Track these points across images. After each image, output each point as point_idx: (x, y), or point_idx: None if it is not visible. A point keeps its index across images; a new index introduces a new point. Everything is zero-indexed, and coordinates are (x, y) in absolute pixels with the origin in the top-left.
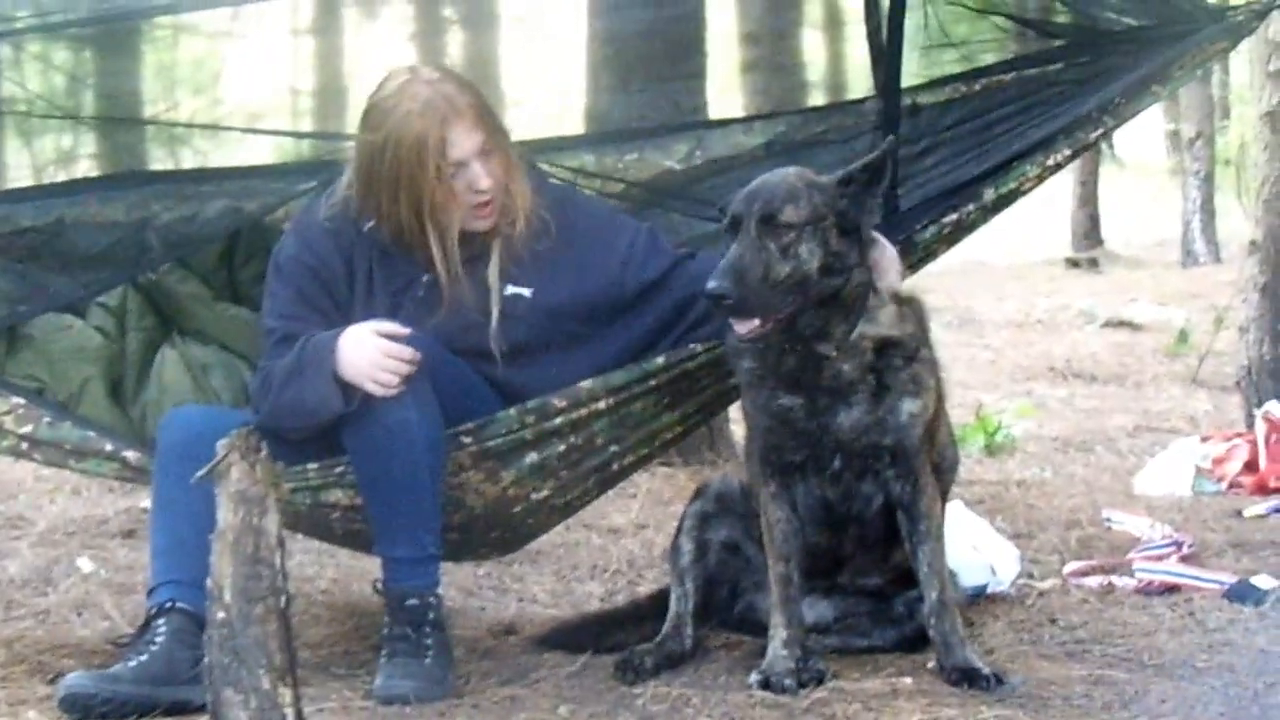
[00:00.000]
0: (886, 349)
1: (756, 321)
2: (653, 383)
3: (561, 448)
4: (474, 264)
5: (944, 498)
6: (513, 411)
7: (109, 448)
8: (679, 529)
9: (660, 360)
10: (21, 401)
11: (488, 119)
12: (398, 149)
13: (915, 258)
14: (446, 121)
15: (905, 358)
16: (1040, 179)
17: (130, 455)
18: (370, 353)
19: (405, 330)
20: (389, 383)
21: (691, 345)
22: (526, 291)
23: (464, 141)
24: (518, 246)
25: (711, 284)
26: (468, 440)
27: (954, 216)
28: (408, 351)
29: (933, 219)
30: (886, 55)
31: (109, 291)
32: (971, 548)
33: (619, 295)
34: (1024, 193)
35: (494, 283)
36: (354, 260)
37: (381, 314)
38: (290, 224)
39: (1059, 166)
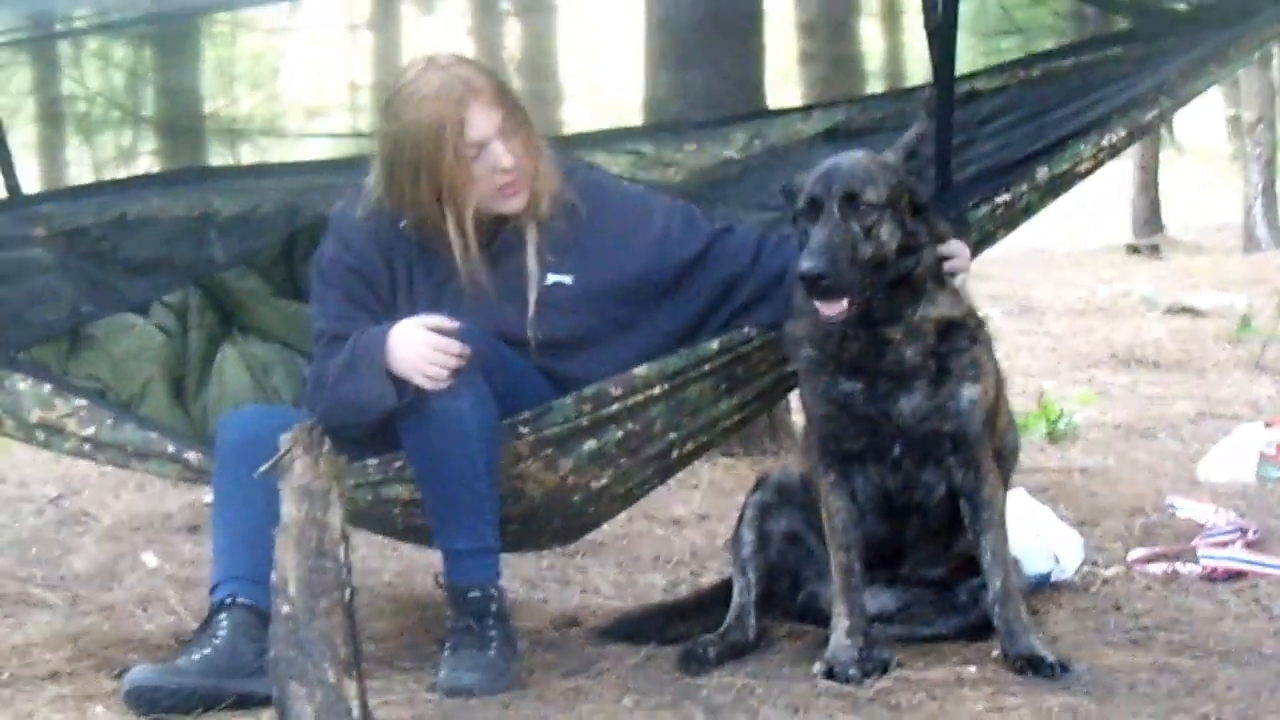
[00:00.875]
0: (949, 331)
1: (844, 303)
2: (707, 367)
3: (619, 435)
4: (510, 254)
5: (1005, 484)
6: (569, 400)
7: (171, 449)
8: (740, 520)
9: (714, 345)
10: (84, 403)
11: (506, 99)
12: (416, 134)
13: (971, 239)
14: (463, 102)
15: (968, 339)
16: (1096, 160)
17: (192, 456)
18: (419, 346)
19: (455, 324)
20: (438, 376)
21: (745, 329)
22: (568, 279)
23: (482, 121)
24: (553, 233)
25: (806, 264)
26: (525, 430)
27: (1007, 196)
28: (456, 345)
29: (985, 196)
30: (940, 41)
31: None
32: (1035, 535)
33: (660, 275)
34: (1080, 175)
35: (533, 270)
36: (394, 259)
37: (425, 310)
38: (329, 224)
39: (1115, 149)
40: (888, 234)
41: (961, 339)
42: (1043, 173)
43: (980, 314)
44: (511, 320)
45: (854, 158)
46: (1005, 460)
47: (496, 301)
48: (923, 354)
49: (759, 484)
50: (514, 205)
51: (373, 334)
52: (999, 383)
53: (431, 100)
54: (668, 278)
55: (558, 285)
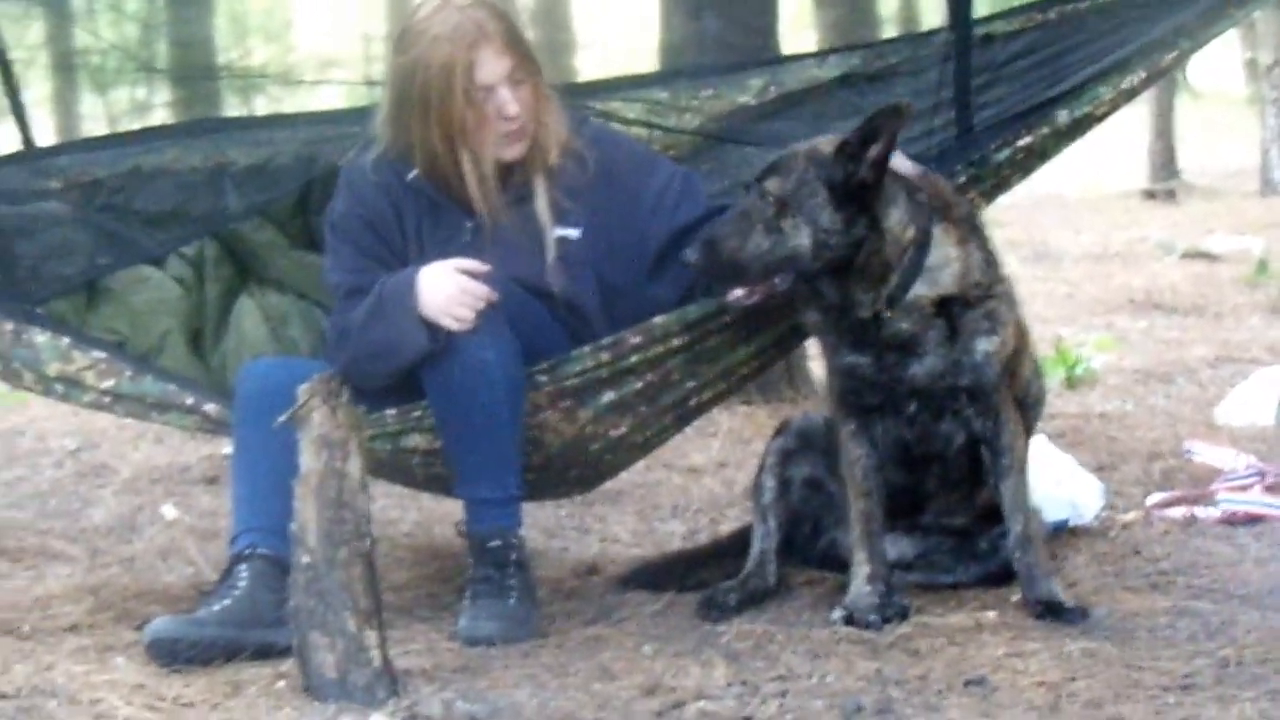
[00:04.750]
0: (948, 304)
1: (742, 291)
2: (727, 318)
3: (638, 385)
4: (521, 205)
5: (1029, 432)
6: (588, 349)
7: (190, 401)
8: (761, 466)
9: None
10: (103, 356)
11: (518, 47)
12: (426, 71)
13: (989, 183)
14: (475, 45)
15: (978, 298)
16: (1114, 104)
17: (210, 408)
18: (449, 288)
19: (485, 267)
20: (465, 318)
21: None
22: (575, 232)
23: (492, 65)
24: (561, 183)
25: (685, 251)
26: (544, 379)
27: (1028, 139)
28: (484, 289)
29: (1006, 140)
30: None
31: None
32: (1054, 482)
33: (654, 236)
34: (1098, 118)
35: (545, 219)
36: (403, 212)
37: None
38: (339, 179)
39: (1134, 92)
40: (791, 228)
41: (969, 301)
42: (1063, 116)
43: (1000, 266)
44: (524, 271)
45: (795, 146)
46: (1029, 409)
47: (508, 252)
48: (923, 325)
49: (781, 430)
50: (513, 152)
51: (400, 277)
52: (1021, 333)
53: (444, 40)
54: (662, 240)
55: (564, 238)
